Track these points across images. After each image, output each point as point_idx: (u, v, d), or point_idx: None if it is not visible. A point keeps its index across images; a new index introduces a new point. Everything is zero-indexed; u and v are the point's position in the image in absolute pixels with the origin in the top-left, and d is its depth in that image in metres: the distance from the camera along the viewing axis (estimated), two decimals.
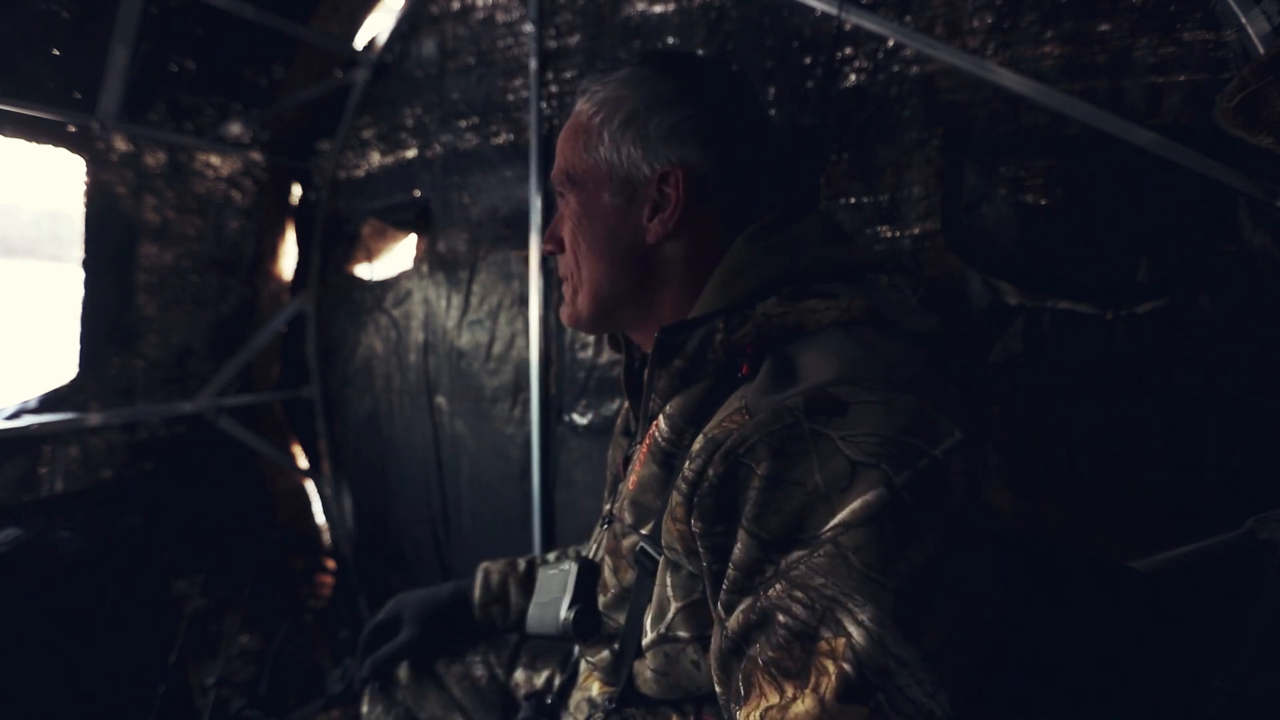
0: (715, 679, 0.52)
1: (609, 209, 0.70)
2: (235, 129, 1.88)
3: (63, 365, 1.70)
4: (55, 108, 1.49)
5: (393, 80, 1.93)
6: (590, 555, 0.79)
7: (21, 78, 1.43)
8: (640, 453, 0.67)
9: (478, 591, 1.01)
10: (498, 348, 1.79)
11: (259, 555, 2.08)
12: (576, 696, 0.80)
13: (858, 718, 0.41)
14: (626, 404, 0.86)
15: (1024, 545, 0.70)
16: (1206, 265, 0.99)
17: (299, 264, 2.19)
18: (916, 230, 1.22)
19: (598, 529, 0.83)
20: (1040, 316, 1.12)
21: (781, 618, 0.46)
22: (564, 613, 0.72)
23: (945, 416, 0.50)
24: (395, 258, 2.09)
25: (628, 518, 0.68)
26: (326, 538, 2.29)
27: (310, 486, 2.27)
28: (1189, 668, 0.66)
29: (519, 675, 0.95)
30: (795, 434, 0.49)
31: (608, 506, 0.82)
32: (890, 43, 1.21)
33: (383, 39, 1.90)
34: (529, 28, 1.62)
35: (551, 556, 1.07)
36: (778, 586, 0.47)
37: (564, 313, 0.77)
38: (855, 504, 0.46)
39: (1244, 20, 0.90)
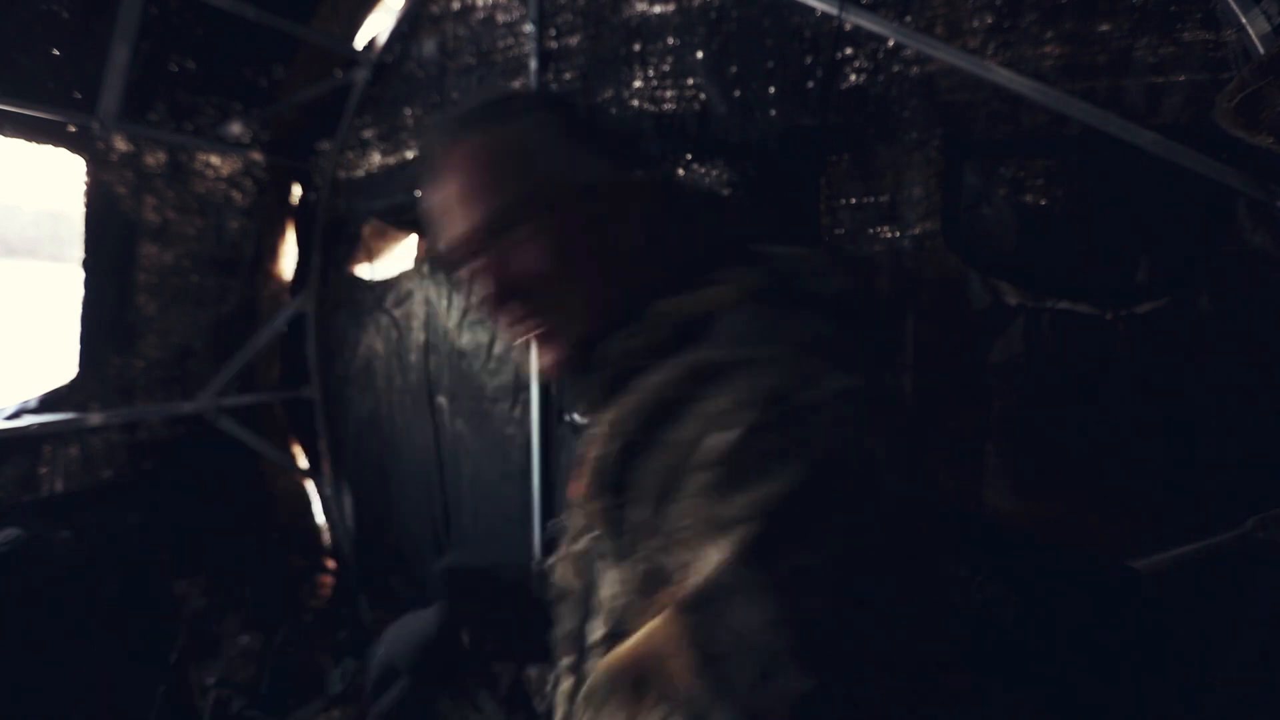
0: None
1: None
2: (235, 129, 1.88)
3: (63, 365, 1.70)
4: (55, 108, 1.49)
5: (393, 80, 1.93)
6: None
7: (21, 78, 1.43)
8: None
9: None
10: (498, 348, 1.79)
11: (259, 555, 2.08)
12: None
13: None
14: None
15: (1024, 545, 0.70)
16: (1206, 265, 0.99)
17: (299, 264, 2.19)
18: (917, 230, 1.22)
19: None
20: (1040, 316, 1.12)
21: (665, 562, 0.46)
22: None
23: (826, 364, 0.49)
24: (396, 258, 2.09)
25: None
26: (326, 538, 2.29)
27: (310, 486, 2.27)
28: (1189, 668, 0.66)
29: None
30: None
31: None
32: (890, 43, 1.21)
33: (383, 39, 1.90)
34: (529, 28, 1.62)
35: None
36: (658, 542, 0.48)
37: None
38: (718, 439, 0.45)
39: (1244, 20, 0.90)
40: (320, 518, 2.29)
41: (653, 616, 0.44)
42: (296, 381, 2.21)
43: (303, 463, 2.25)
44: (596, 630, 0.63)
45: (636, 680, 0.41)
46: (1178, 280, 1.01)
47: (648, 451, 0.51)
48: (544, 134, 0.68)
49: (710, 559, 0.41)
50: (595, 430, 0.64)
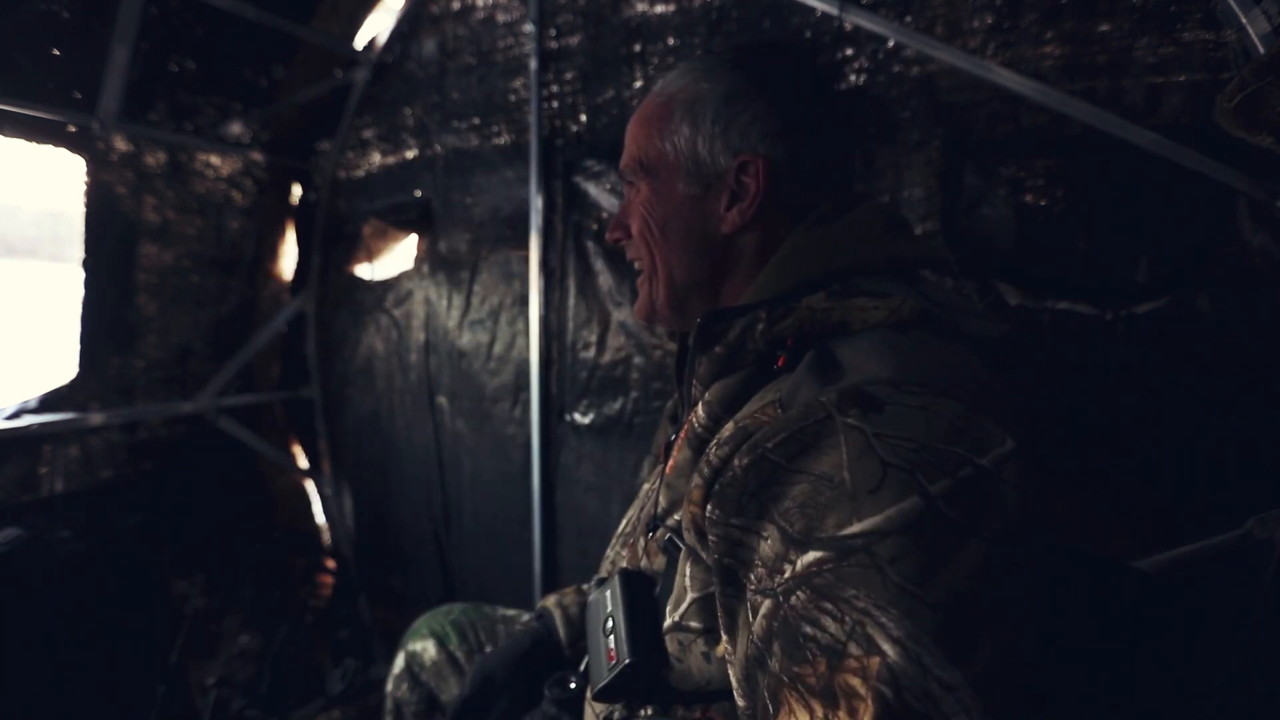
0: (738, 688, 0.49)
1: (683, 198, 0.70)
2: (235, 129, 1.88)
3: (63, 365, 1.70)
4: (55, 108, 1.49)
5: (393, 80, 1.93)
6: (625, 546, 0.77)
7: (21, 78, 1.43)
8: (679, 438, 0.68)
9: (562, 630, 0.97)
10: (499, 348, 1.79)
11: (259, 555, 2.08)
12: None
13: None
14: (676, 392, 0.86)
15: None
16: (1206, 265, 0.99)
17: (299, 264, 2.19)
18: (917, 231, 1.22)
19: (634, 509, 0.83)
20: (1040, 316, 1.12)
21: (807, 629, 0.42)
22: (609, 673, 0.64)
23: (995, 425, 0.47)
24: (396, 258, 2.09)
25: (662, 501, 0.68)
26: (326, 538, 2.29)
27: (310, 486, 2.27)
28: (1189, 668, 0.66)
29: None
30: (827, 429, 0.47)
31: (646, 486, 0.84)
32: (891, 43, 1.21)
33: (383, 39, 1.90)
34: (529, 28, 1.62)
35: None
36: (801, 594, 0.43)
37: (637, 307, 0.78)
38: (890, 511, 0.43)
39: (1244, 20, 0.90)
40: (320, 518, 2.29)
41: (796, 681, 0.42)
42: (296, 381, 2.21)
43: (303, 463, 2.25)
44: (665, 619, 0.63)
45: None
46: (1178, 280, 1.01)
47: (788, 478, 0.48)
48: (713, 99, 0.69)
49: (885, 645, 0.39)
50: (698, 406, 0.64)
